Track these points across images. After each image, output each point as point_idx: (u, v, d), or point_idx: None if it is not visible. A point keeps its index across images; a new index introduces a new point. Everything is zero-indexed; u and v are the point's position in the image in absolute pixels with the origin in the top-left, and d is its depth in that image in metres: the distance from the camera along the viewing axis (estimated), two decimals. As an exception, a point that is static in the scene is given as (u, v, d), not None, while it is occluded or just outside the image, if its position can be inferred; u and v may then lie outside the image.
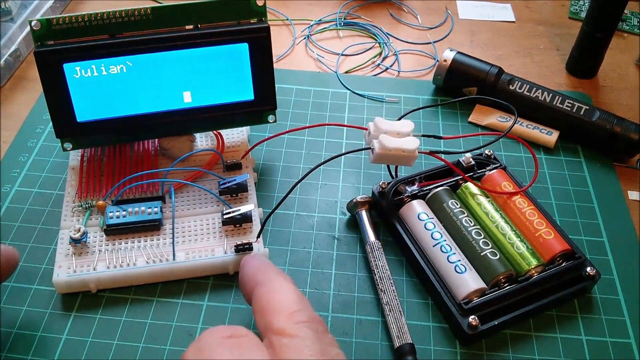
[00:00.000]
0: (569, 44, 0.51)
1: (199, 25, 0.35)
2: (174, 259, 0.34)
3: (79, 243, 0.34)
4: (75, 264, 0.33)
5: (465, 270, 0.32)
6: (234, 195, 0.37)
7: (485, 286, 0.32)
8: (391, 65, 0.51)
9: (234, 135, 0.41)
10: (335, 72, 0.49)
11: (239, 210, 0.35)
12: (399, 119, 0.35)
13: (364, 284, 0.35)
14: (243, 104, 0.37)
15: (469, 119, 0.45)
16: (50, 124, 0.43)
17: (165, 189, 0.37)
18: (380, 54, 0.52)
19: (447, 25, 0.56)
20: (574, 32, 0.51)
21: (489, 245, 0.34)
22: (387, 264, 0.34)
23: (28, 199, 0.39)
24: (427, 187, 0.37)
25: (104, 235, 0.35)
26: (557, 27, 0.56)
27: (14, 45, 0.49)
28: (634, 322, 0.34)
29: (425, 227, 0.35)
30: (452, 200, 0.36)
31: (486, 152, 0.39)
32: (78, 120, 0.35)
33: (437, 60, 0.50)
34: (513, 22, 0.57)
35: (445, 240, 0.34)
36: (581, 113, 0.43)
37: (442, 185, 0.37)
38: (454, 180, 0.37)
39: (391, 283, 0.33)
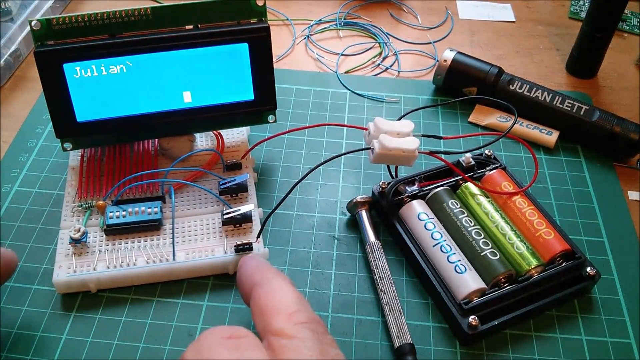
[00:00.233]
0: (569, 44, 0.51)
1: (199, 25, 0.35)
2: (174, 259, 0.34)
3: (79, 243, 0.34)
4: (75, 264, 0.33)
5: (465, 270, 0.32)
6: (234, 195, 0.37)
7: (485, 286, 0.32)
8: (391, 65, 0.51)
9: (234, 135, 0.41)
10: (335, 72, 0.49)
11: (239, 210, 0.35)
12: (399, 119, 0.35)
13: (364, 284, 0.35)
14: (243, 104, 0.37)
15: (469, 119, 0.45)
16: (50, 124, 0.43)
17: (165, 189, 0.37)
18: (380, 54, 0.52)
19: (447, 25, 0.56)
20: (574, 32, 0.51)
21: (489, 245, 0.34)
22: (387, 264, 0.34)
23: (28, 199, 0.39)
24: (427, 187, 0.37)
25: (104, 235, 0.35)
26: (557, 27, 0.56)
27: (14, 45, 0.49)
28: (634, 322, 0.34)
29: (425, 227, 0.35)
30: (452, 200, 0.36)
31: (486, 152, 0.39)
32: (78, 120, 0.35)
33: (437, 60, 0.50)
34: (513, 22, 0.57)
35: (445, 240, 0.34)
36: (581, 113, 0.43)
37: (442, 185, 0.37)
38: (454, 180, 0.37)
39: (391, 283, 0.33)
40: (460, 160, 0.39)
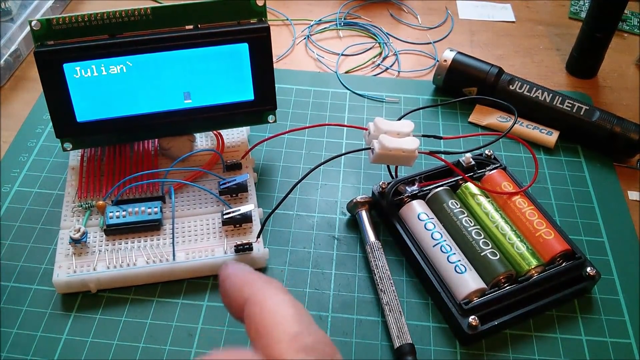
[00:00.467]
0: (569, 44, 0.51)
1: (199, 25, 0.35)
2: (174, 259, 0.34)
3: (79, 243, 0.34)
4: (75, 264, 0.33)
5: (465, 270, 0.32)
6: (234, 195, 0.37)
7: (485, 286, 0.32)
8: (391, 65, 0.51)
9: (234, 135, 0.41)
10: (335, 72, 0.49)
11: (239, 210, 0.35)
12: (399, 119, 0.35)
13: (364, 284, 0.35)
14: (243, 104, 0.37)
15: (469, 119, 0.45)
16: (50, 124, 0.43)
17: (165, 189, 0.37)
18: (380, 54, 0.52)
19: (447, 25, 0.56)
20: (574, 32, 0.51)
21: (489, 245, 0.34)
22: (387, 264, 0.34)
23: (28, 199, 0.39)
24: (427, 187, 0.37)
25: (104, 235, 0.35)
26: (557, 27, 0.56)
27: (14, 45, 0.49)
28: (634, 322, 0.34)
29: (425, 227, 0.35)
30: (452, 201, 0.36)
31: (486, 152, 0.39)
32: (78, 120, 0.35)
33: (437, 60, 0.50)
34: (513, 22, 0.57)
35: (445, 241, 0.34)
36: (581, 113, 0.43)
37: (442, 186, 0.37)
38: (454, 181, 0.37)
39: (391, 283, 0.33)
40: (460, 161, 0.39)
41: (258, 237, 0.34)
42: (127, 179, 0.36)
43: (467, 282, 0.32)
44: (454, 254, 0.33)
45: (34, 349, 0.32)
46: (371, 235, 0.36)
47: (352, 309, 0.34)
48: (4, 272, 0.35)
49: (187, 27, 0.35)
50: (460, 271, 0.32)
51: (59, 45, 0.34)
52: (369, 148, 0.34)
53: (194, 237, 0.35)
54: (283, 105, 0.45)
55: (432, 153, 0.35)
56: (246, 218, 0.35)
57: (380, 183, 0.37)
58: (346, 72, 0.50)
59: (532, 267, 0.33)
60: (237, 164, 0.38)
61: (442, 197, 0.36)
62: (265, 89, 0.37)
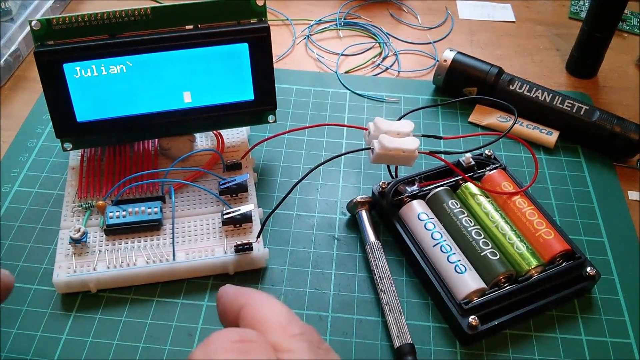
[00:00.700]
0: (569, 44, 0.51)
1: (199, 25, 0.35)
2: (174, 259, 0.34)
3: (79, 243, 0.34)
4: (75, 264, 0.33)
5: (465, 270, 0.32)
6: (234, 195, 0.37)
7: (485, 286, 0.32)
8: (391, 65, 0.51)
9: (234, 135, 0.41)
10: (335, 72, 0.49)
11: (239, 210, 0.35)
12: (399, 119, 0.35)
13: (364, 284, 0.35)
14: (243, 104, 0.37)
15: (469, 119, 0.45)
16: (50, 124, 0.43)
17: (165, 189, 0.37)
18: (380, 54, 0.52)
19: (447, 25, 0.56)
20: (574, 32, 0.51)
21: (489, 245, 0.34)
22: (387, 264, 0.34)
23: (28, 199, 0.39)
24: (427, 187, 0.37)
25: (104, 235, 0.35)
26: (557, 27, 0.56)
27: (14, 45, 0.49)
28: (634, 322, 0.34)
29: (425, 227, 0.35)
30: (452, 201, 0.36)
31: (486, 152, 0.39)
32: (78, 120, 0.35)
33: (437, 60, 0.50)
34: (513, 22, 0.57)
35: (445, 241, 0.34)
36: (581, 113, 0.43)
37: (442, 186, 0.37)
38: (454, 181, 0.37)
39: (391, 283, 0.33)
40: (460, 160, 0.39)
41: (258, 237, 0.34)
42: (127, 179, 0.36)
43: (467, 282, 0.32)
44: (454, 254, 0.33)
45: (34, 349, 0.32)
46: (371, 235, 0.36)
47: (352, 309, 0.34)
48: (4, 272, 0.35)
49: (187, 27, 0.35)
50: (460, 271, 0.32)
51: (59, 45, 0.34)
52: (369, 148, 0.34)
53: (194, 237, 0.35)
54: (283, 105, 0.45)
55: (432, 153, 0.35)
56: (246, 218, 0.35)
57: (380, 183, 0.37)
58: (346, 72, 0.50)
59: (532, 267, 0.33)
60: (237, 164, 0.38)
61: (442, 197, 0.36)
62: (265, 89, 0.37)
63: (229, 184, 0.37)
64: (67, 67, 0.34)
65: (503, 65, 0.47)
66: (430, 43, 0.53)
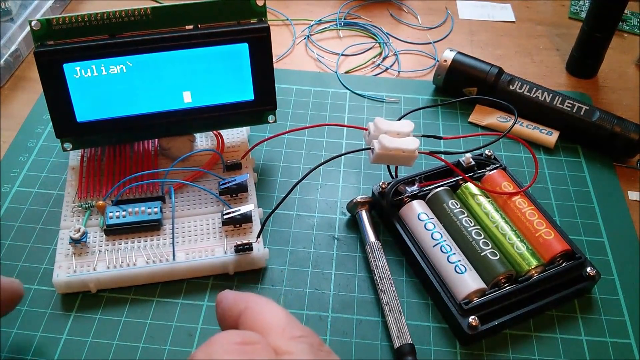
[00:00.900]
0: (569, 44, 0.51)
1: (199, 25, 0.35)
2: (174, 259, 0.34)
3: (79, 243, 0.34)
4: (75, 264, 0.33)
5: (465, 270, 0.32)
6: (234, 195, 0.37)
7: (485, 286, 0.32)
8: (391, 65, 0.51)
9: (234, 135, 0.41)
10: (335, 72, 0.49)
11: (239, 210, 0.35)
12: (399, 119, 0.35)
13: (364, 284, 0.35)
14: (243, 104, 0.37)
15: (469, 119, 0.45)
16: (50, 124, 0.43)
17: (165, 189, 0.37)
18: (380, 54, 0.52)
19: (447, 25, 0.56)
20: (574, 32, 0.51)
21: (489, 245, 0.34)
22: (387, 264, 0.34)
23: (28, 199, 0.39)
24: (427, 188, 0.37)
25: (104, 236, 0.35)
26: (557, 27, 0.56)
27: (14, 45, 0.49)
28: (634, 322, 0.34)
29: (425, 228, 0.35)
30: (452, 201, 0.36)
31: (486, 152, 0.39)
32: (78, 120, 0.35)
33: (437, 60, 0.50)
34: (513, 22, 0.57)
35: (445, 241, 0.34)
36: (581, 113, 0.43)
37: (442, 186, 0.37)
38: (454, 181, 0.37)
39: (391, 283, 0.33)
40: (460, 161, 0.39)
41: (258, 237, 0.34)
42: (127, 179, 0.36)
43: (467, 282, 0.32)
44: (454, 254, 0.33)
45: (34, 349, 0.32)
46: (371, 235, 0.36)
47: (352, 309, 0.34)
48: (4, 272, 0.35)
49: (187, 27, 0.35)
50: (460, 271, 0.32)
51: (59, 45, 0.34)
52: (369, 148, 0.34)
53: (194, 237, 0.35)
54: (283, 105, 0.45)
55: (432, 153, 0.35)
56: (246, 218, 0.35)
57: (380, 183, 0.37)
58: (346, 72, 0.50)
59: (532, 267, 0.33)
60: (237, 164, 0.38)
61: (442, 197, 0.36)
62: (265, 89, 0.37)
63: (229, 184, 0.37)
64: (67, 67, 0.34)
65: (503, 65, 0.47)
66: (430, 43, 0.53)
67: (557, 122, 0.44)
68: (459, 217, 0.35)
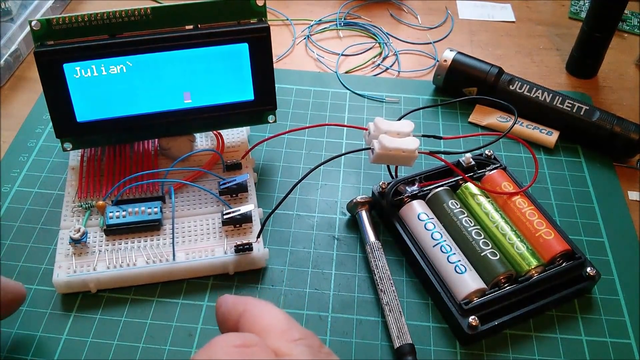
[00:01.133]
0: (569, 44, 0.51)
1: (199, 25, 0.35)
2: (174, 259, 0.34)
3: (79, 243, 0.34)
4: (75, 264, 0.33)
5: (465, 270, 0.32)
6: (234, 195, 0.37)
7: (485, 286, 0.32)
8: (391, 65, 0.51)
9: (234, 135, 0.41)
10: (335, 72, 0.49)
11: (239, 210, 0.35)
12: (399, 119, 0.35)
13: (364, 284, 0.35)
14: (243, 104, 0.37)
15: (469, 119, 0.45)
16: (50, 124, 0.43)
17: (165, 189, 0.37)
18: (380, 54, 0.52)
19: (447, 25, 0.56)
20: (574, 32, 0.51)
21: (489, 245, 0.34)
22: (387, 264, 0.34)
23: (28, 199, 0.39)
24: (427, 188, 0.37)
25: (104, 236, 0.35)
26: (557, 27, 0.56)
27: (14, 45, 0.49)
28: (634, 322, 0.34)
29: (425, 228, 0.35)
30: (452, 201, 0.36)
31: (486, 152, 0.39)
32: (78, 120, 0.35)
33: (437, 60, 0.50)
34: (513, 22, 0.57)
35: (445, 241, 0.34)
36: (581, 113, 0.43)
37: (442, 186, 0.37)
38: (454, 181, 0.37)
39: (391, 283, 0.33)
40: (460, 161, 0.39)
41: (258, 237, 0.34)
42: (127, 179, 0.36)
43: (467, 282, 0.32)
44: (454, 254, 0.33)
45: (34, 349, 0.32)
46: (371, 235, 0.36)
47: (352, 309, 0.34)
48: (4, 272, 0.35)
49: (187, 27, 0.35)
50: (460, 271, 0.32)
51: (59, 45, 0.34)
52: (369, 148, 0.34)
53: (194, 237, 0.35)
54: (283, 105, 0.45)
55: (432, 153, 0.35)
56: (246, 218, 0.35)
57: (380, 183, 0.37)
58: (346, 72, 0.50)
59: (532, 267, 0.33)
60: (237, 164, 0.38)
61: (442, 197, 0.36)
62: (265, 89, 0.37)
63: (229, 184, 0.37)
64: (67, 67, 0.34)
65: (503, 65, 0.47)
66: (430, 43, 0.53)
67: (557, 122, 0.44)
68: (459, 217, 0.35)
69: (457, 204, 0.36)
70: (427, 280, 0.34)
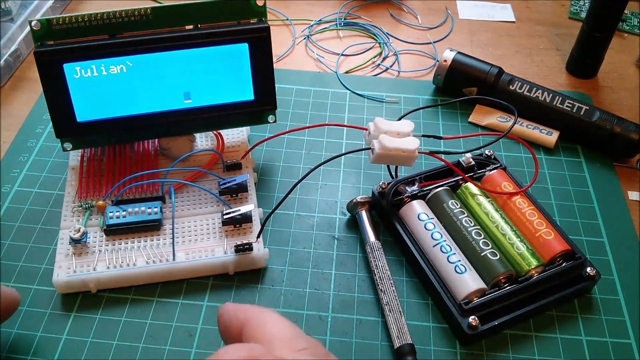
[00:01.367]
0: (569, 44, 0.51)
1: (199, 25, 0.35)
2: (174, 259, 0.34)
3: (79, 243, 0.34)
4: (75, 264, 0.33)
5: (465, 270, 0.32)
6: (234, 195, 0.37)
7: (485, 286, 0.32)
8: (391, 65, 0.51)
9: (234, 135, 0.41)
10: (335, 72, 0.49)
11: (239, 210, 0.35)
12: (399, 119, 0.35)
13: (364, 284, 0.35)
14: (243, 104, 0.37)
15: (469, 119, 0.45)
16: (50, 124, 0.43)
17: (165, 189, 0.37)
18: (380, 54, 0.52)
19: (447, 25, 0.56)
20: (574, 32, 0.51)
21: (489, 245, 0.34)
22: (387, 264, 0.34)
23: (28, 199, 0.39)
24: (427, 188, 0.37)
25: (104, 236, 0.35)
26: (557, 27, 0.56)
27: (14, 45, 0.49)
28: (634, 322, 0.34)
29: (425, 228, 0.35)
30: (452, 201, 0.36)
31: (486, 152, 0.39)
32: (78, 120, 0.35)
33: (437, 60, 0.50)
34: (513, 22, 0.57)
35: (445, 241, 0.34)
36: (581, 113, 0.43)
37: (442, 186, 0.37)
38: (454, 181, 0.37)
39: (391, 283, 0.33)
40: (460, 161, 0.39)
41: (258, 237, 0.34)
42: (127, 179, 0.36)
43: (467, 282, 0.32)
44: (454, 254, 0.33)
45: (34, 349, 0.32)
46: (371, 235, 0.36)
47: (352, 309, 0.34)
48: (4, 272, 0.35)
49: (187, 27, 0.35)
50: (460, 271, 0.32)
51: (59, 45, 0.34)
52: (369, 148, 0.34)
53: (194, 237, 0.35)
54: (283, 105, 0.45)
55: (432, 153, 0.35)
56: (246, 218, 0.35)
57: (380, 183, 0.37)
58: (346, 72, 0.50)
59: (532, 267, 0.33)
60: (237, 164, 0.38)
61: (442, 197, 0.36)
62: (265, 89, 0.37)
63: (229, 184, 0.37)
64: (67, 67, 0.34)
65: (503, 65, 0.47)
66: (430, 43, 0.53)
67: (557, 122, 0.44)
68: (459, 217, 0.35)
69: (457, 204, 0.36)
70: (427, 280, 0.34)
